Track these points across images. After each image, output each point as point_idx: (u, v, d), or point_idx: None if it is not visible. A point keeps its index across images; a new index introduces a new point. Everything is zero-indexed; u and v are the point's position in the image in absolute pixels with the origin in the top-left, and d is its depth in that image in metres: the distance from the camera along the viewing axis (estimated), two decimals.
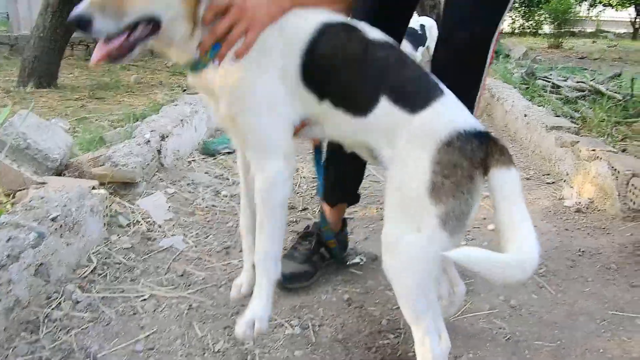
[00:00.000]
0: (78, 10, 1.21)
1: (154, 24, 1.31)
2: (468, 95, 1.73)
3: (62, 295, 1.81)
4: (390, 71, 1.38)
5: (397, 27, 1.87)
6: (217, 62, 1.38)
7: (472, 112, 1.71)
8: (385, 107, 1.35)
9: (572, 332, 1.77)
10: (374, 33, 1.44)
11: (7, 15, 11.33)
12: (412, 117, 1.32)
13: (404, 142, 1.32)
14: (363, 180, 2.24)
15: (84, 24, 1.21)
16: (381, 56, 1.39)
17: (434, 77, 1.43)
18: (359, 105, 1.38)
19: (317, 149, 1.83)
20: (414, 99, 1.35)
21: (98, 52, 1.28)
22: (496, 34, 1.74)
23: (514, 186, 1.27)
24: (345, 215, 2.26)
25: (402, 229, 1.30)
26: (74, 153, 2.92)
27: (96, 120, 4.35)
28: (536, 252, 1.17)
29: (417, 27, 6.26)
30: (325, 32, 1.40)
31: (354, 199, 2.25)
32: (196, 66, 1.42)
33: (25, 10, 8.92)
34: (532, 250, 1.17)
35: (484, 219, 2.60)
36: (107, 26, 1.24)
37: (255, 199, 1.48)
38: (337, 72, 1.39)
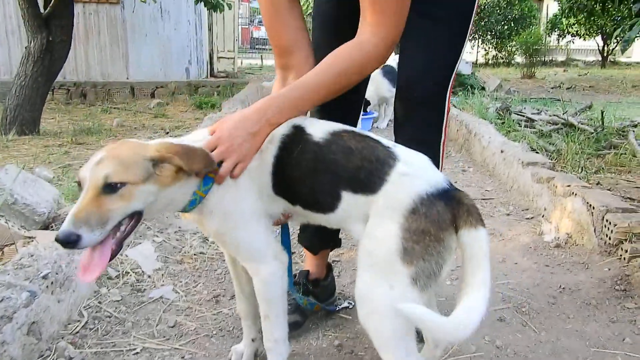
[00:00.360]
0: (64, 229, 1.24)
1: (137, 215, 1.38)
2: (432, 144, 1.83)
3: (54, 353, 1.81)
4: (340, 168, 1.45)
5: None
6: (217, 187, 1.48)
7: (437, 160, 1.82)
8: (348, 200, 1.45)
9: None
10: (319, 130, 1.51)
11: None
12: (375, 196, 1.40)
13: (373, 217, 1.40)
14: None
15: (72, 241, 1.24)
16: (329, 158, 1.46)
17: (382, 144, 1.47)
18: (325, 205, 1.49)
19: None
20: (370, 181, 1.41)
21: (95, 268, 1.31)
22: (450, 84, 1.85)
23: (481, 248, 1.33)
24: (333, 259, 2.31)
25: (376, 285, 1.36)
26: (61, 204, 2.94)
27: (80, 167, 4.37)
28: (476, 320, 1.23)
29: (394, 65, 6.45)
30: (284, 147, 1.51)
31: (335, 244, 2.28)
32: (185, 210, 1.50)
33: (4, 57, 8.96)
34: (472, 318, 1.24)
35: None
36: (94, 237, 1.27)
37: (257, 297, 1.61)
38: (298, 185, 1.51)
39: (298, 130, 1.53)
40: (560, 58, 21.24)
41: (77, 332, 1.96)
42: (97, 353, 1.87)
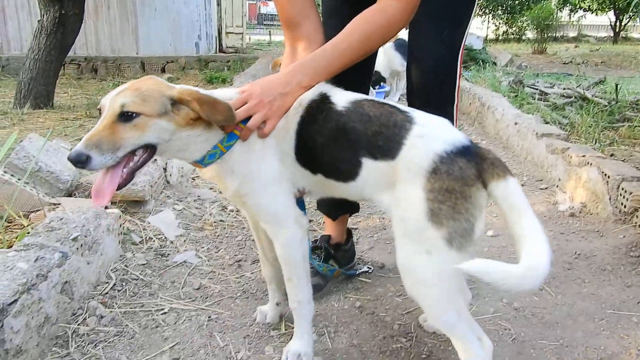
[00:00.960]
0: (76, 149, 1.29)
1: (150, 148, 1.41)
2: (445, 111, 1.86)
3: (86, 311, 1.88)
4: (360, 135, 1.46)
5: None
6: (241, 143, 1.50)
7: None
8: (369, 167, 1.46)
9: (573, 332, 1.88)
10: (342, 99, 1.53)
11: None
12: (395, 161, 1.41)
13: (398, 184, 1.42)
14: None
15: (82, 161, 1.29)
16: (350, 127, 1.47)
17: (400, 110, 1.49)
18: (345, 174, 1.51)
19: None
20: (388, 146, 1.42)
21: (105, 191, 1.35)
22: (461, 50, 1.88)
23: (516, 196, 1.33)
24: (350, 226, 2.35)
25: (414, 254, 1.38)
26: (82, 173, 2.99)
27: None
28: (546, 262, 1.23)
29: (406, 38, 6.43)
30: (310, 113, 1.53)
31: (353, 209, 2.32)
32: (204, 163, 1.52)
33: (14, 31, 8.96)
34: (542, 261, 1.23)
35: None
36: (104, 161, 1.32)
37: (279, 260, 1.64)
38: (320, 152, 1.52)
39: (324, 98, 1.55)
40: (572, 34, 20.95)
41: (107, 293, 2.03)
42: (127, 312, 1.94)
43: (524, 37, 17.72)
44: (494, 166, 1.35)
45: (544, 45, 14.17)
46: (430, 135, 1.40)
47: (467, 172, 1.34)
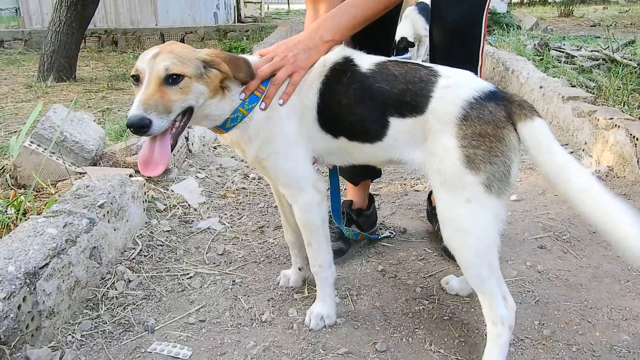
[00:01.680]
0: (136, 113, 1.27)
1: (188, 113, 1.42)
2: (469, 69, 1.83)
3: (114, 276, 1.93)
4: (386, 94, 1.45)
5: None
6: (264, 105, 1.50)
7: None
8: (397, 126, 1.45)
9: (598, 293, 1.86)
10: (366, 62, 1.51)
11: (17, 10, 11.45)
12: (424, 116, 1.41)
13: (430, 137, 1.41)
14: None
15: (146, 125, 1.28)
16: (376, 87, 1.46)
17: (423, 66, 1.48)
18: (372, 134, 1.49)
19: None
20: (416, 101, 1.42)
21: (159, 160, 1.35)
22: (486, 8, 1.84)
23: (544, 134, 1.34)
24: (372, 192, 2.35)
25: (454, 203, 1.38)
26: (106, 143, 3.03)
27: (119, 110, 4.47)
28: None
29: (429, 2, 6.30)
30: (333, 74, 1.51)
31: (375, 174, 2.33)
32: (226, 127, 1.52)
33: (35, 5, 9.02)
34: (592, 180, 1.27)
35: None
36: (162, 124, 1.32)
37: (298, 224, 1.65)
38: (344, 114, 1.50)
39: (347, 61, 1.53)
40: None
41: (134, 259, 2.08)
42: (154, 277, 1.99)
43: (549, 0, 17.16)
44: (522, 107, 1.36)
45: (571, 7, 13.69)
46: (456, 84, 1.41)
47: (497, 114, 1.35)
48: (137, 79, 1.37)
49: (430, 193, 2.33)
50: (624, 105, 3.80)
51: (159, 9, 9.54)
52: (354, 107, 1.49)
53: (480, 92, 1.38)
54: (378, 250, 2.19)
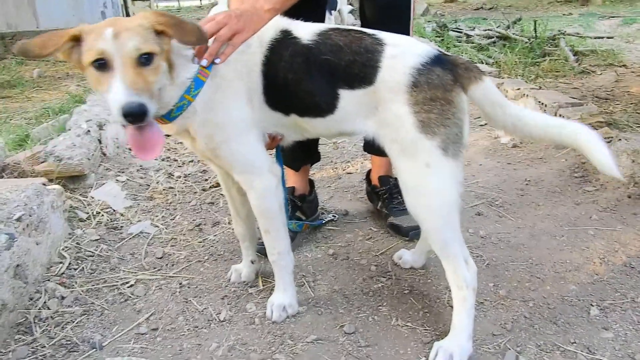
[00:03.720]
0: (129, 100, 1.14)
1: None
2: None
3: (44, 294, 1.73)
4: (334, 66, 1.41)
5: None
6: (205, 62, 1.36)
7: None
8: (347, 98, 1.42)
9: (539, 251, 1.96)
10: (306, 32, 1.46)
11: None
12: (374, 86, 1.39)
13: (382, 106, 1.40)
14: None
15: (144, 112, 1.16)
16: (321, 59, 1.42)
17: (367, 34, 1.46)
18: (323, 107, 1.45)
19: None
20: (365, 73, 1.39)
21: (155, 142, 1.25)
22: None
23: (495, 93, 1.42)
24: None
25: (414, 170, 1.38)
26: (6, 154, 2.73)
27: (10, 120, 4.06)
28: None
29: None
30: (274, 51, 1.44)
31: (315, 157, 2.29)
32: (170, 117, 1.39)
33: None
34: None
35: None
36: (153, 109, 1.21)
37: (254, 212, 1.58)
38: (292, 89, 1.44)
39: (286, 34, 1.47)
40: None
41: (63, 273, 1.87)
42: (90, 290, 1.81)
43: None
44: (469, 70, 1.38)
45: None
46: (403, 53, 1.40)
47: (444, 78, 1.36)
48: (102, 64, 1.20)
49: (369, 173, 2.33)
50: (523, 78, 4.06)
51: (39, 10, 8.80)
52: (301, 82, 1.44)
53: (427, 57, 1.38)
54: (325, 234, 2.15)
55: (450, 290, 1.50)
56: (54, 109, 4.01)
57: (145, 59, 1.21)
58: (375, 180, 2.26)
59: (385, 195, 2.20)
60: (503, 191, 2.47)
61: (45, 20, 8.89)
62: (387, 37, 1.44)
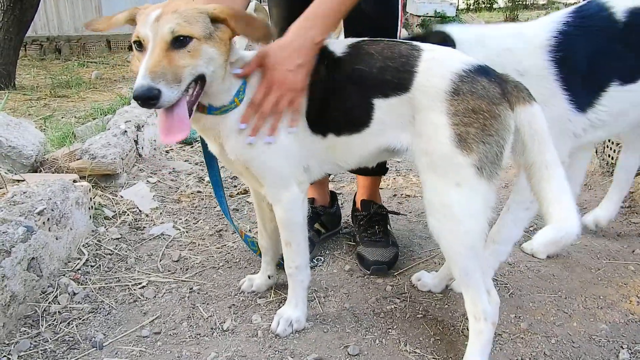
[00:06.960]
0: (142, 83, 1.13)
1: (200, 81, 1.27)
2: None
3: (57, 289, 1.75)
4: (366, 75, 1.34)
5: None
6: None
7: None
8: (381, 107, 1.33)
9: (571, 283, 1.82)
10: (338, 46, 1.41)
11: None
12: (410, 93, 1.29)
13: (417, 115, 1.29)
14: None
15: (154, 96, 1.14)
16: (355, 69, 1.35)
17: (399, 41, 1.39)
18: (358, 121, 1.37)
19: None
20: (399, 78, 1.30)
21: (181, 125, 1.22)
22: (400, 5, 1.80)
23: (541, 124, 1.23)
24: (334, 190, 2.26)
25: (442, 188, 1.26)
26: (47, 150, 2.82)
27: (62, 117, 4.22)
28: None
29: None
30: (314, 70, 1.39)
31: None
32: (212, 110, 1.38)
33: None
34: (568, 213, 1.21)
35: None
36: (173, 94, 1.18)
37: (278, 224, 1.53)
38: (331, 109, 1.39)
39: (322, 49, 1.41)
40: (542, 1, 20.96)
41: (79, 269, 1.89)
42: (102, 288, 1.81)
43: (495, 6, 17.65)
44: (519, 89, 1.25)
45: (516, 12, 14.14)
46: (443, 57, 1.30)
47: (491, 90, 1.23)
48: (139, 45, 1.22)
49: (355, 194, 2.20)
50: None
51: (105, 14, 9.19)
52: (337, 97, 1.37)
53: (470, 65, 1.26)
54: (344, 249, 2.09)
55: (467, 318, 1.40)
56: (103, 109, 4.15)
57: (180, 42, 1.20)
58: (357, 203, 2.14)
59: (362, 221, 2.07)
60: (539, 217, 2.32)
61: None
62: (424, 44, 1.36)
